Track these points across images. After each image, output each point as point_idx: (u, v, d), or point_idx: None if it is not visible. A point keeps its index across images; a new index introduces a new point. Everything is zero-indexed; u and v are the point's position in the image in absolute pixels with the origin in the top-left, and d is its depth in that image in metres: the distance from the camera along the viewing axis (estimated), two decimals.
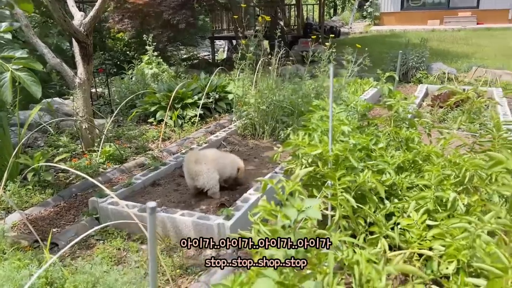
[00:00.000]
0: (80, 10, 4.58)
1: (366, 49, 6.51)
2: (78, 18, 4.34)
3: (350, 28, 20.16)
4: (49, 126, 4.87)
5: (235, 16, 9.87)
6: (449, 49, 12.21)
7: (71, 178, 4.10)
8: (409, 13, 19.46)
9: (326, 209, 2.53)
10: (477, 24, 17.75)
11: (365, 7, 21.14)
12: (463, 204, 2.49)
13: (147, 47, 7.66)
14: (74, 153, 4.59)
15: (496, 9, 17.87)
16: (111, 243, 3.00)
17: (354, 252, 1.98)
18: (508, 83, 7.56)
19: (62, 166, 3.30)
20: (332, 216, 2.46)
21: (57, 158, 4.13)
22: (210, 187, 3.52)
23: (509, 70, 8.51)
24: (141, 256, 2.84)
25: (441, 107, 6.03)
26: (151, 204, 0.81)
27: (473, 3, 18.36)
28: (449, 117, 5.57)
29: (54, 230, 3.22)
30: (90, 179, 2.73)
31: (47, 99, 5.77)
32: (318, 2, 16.14)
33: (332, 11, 25.70)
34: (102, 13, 4.35)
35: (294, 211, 1.29)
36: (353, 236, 2.47)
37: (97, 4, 4.29)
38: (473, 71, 8.30)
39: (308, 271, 1.75)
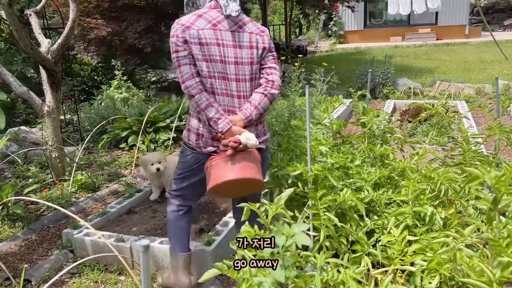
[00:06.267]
0: (46, 37, 4.50)
1: (333, 67, 6.67)
2: (46, 45, 4.25)
3: (316, 46, 20.60)
4: (17, 157, 4.70)
5: None
6: (413, 64, 12.62)
7: (42, 210, 3.96)
8: (372, 30, 20.09)
9: (308, 229, 2.52)
10: (437, 39, 18.49)
11: (329, 26, 21.67)
12: (441, 217, 2.54)
13: (116, 71, 7.57)
14: (44, 183, 4.43)
15: (454, 25, 18.70)
16: (87, 276, 2.89)
17: (339, 272, 1.98)
18: (470, 95, 7.87)
19: (33, 198, 3.18)
20: (315, 236, 2.46)
21: (26, 190, 3.98)
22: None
23: (470, 83, 8.87)
24: None
25: (410, 121, 6.19)
26: (144, 242, 0.79)
27: (432, 20, 19.15)
28: (418, 131, 5.72)
29: (26, 265, 3.08)
30: (63, 210, 2.64)
31: (13, 128, 5.58)
32: (284, 22, 16.45)
33: (297, 30, 26.19)
34: (70, 40, 4.28)
35: (283, 238, 1.27)
36: (336, 255, 2.47)
37: (65, 31, 4.22)
38: (437, 85, 8.59)
39: None
